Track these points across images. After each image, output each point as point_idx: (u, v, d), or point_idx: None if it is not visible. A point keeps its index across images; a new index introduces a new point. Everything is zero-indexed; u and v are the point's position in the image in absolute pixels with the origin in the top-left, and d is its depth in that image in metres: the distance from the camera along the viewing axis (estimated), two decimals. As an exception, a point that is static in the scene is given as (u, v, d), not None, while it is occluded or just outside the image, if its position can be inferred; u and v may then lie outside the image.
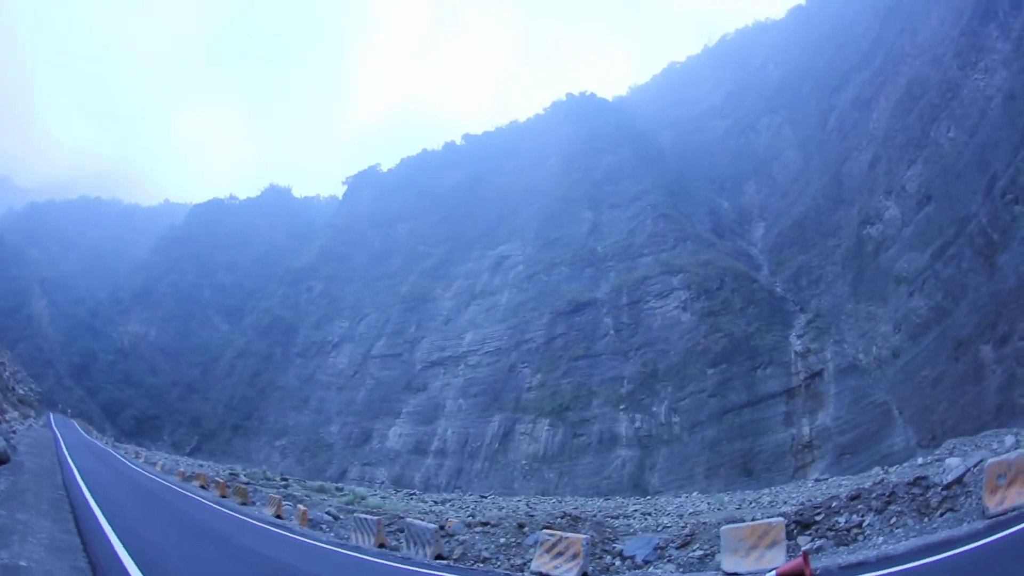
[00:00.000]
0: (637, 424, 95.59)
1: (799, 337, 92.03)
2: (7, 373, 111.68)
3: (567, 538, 21.34)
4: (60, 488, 32.66)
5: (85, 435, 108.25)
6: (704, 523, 32.50)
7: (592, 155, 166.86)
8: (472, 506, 66.60)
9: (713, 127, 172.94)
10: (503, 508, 62.87)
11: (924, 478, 19.92)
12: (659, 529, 37.76)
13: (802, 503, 37.57)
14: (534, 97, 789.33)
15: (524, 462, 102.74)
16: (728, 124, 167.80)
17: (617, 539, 28.82)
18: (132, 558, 18.84)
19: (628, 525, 41.10)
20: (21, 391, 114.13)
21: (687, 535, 24.52)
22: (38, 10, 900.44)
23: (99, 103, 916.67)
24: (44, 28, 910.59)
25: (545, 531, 23.54)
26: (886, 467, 61.85)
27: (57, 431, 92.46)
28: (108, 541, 21.45)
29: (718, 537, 20.30)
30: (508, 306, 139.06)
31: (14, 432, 57.49)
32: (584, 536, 21.60)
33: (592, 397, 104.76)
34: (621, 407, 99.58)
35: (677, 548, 23.49)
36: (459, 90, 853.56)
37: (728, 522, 28.48)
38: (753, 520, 23.93)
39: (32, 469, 37.43)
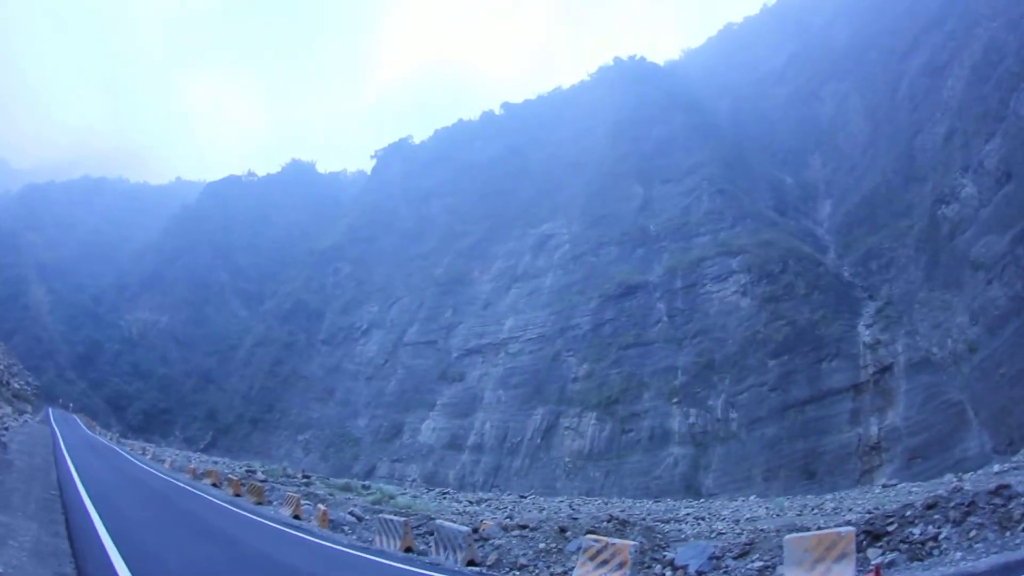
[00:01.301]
0: (691, 419, 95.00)
1: (868, 327, 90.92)
2: (1, 366, 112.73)
3: (613, 544, 20.86)
4: (53, 488, 32.80)
5: (87, 431, 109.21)
6: (763, 531, 32.33)
7: (642, 125, 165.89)
8: (510, 507, 66.58)
9: (773, 94, 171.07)
10: (544, 510, 62.87)
11: (1007, 487, 19.56)
12: (713, 536, 37.67)
13: (870, 511, 37.22)
14: (579, 62, 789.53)
15: (568, 459, 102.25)
16: (790, 91, 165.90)
17: (668, 546, 28.64)
18: (126, 564, 18.88)
19: (679, 531, 41.00)
20: (16, 385, 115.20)
21: (745, 544, 24.23)
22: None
23: (102, 77, 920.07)
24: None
25: (589, 536, 22.96)
26: (959, 474, 61.01)
27: (55, 427, 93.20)
28: (101, 545, 21.53)
29: (780, 547, 19.87)
30: (552, 289, 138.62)
31: (6, 429, 58.34)
32: (632, 543, 21.15)
33: (643, 389, 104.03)
34: (674, 400, 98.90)
35: (734, 558, 23.24)
36: (497, 54, 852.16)
37: (789, 529, 28.27)
38: (819, 529, 23.67)
39: (23, 468, 37.72)
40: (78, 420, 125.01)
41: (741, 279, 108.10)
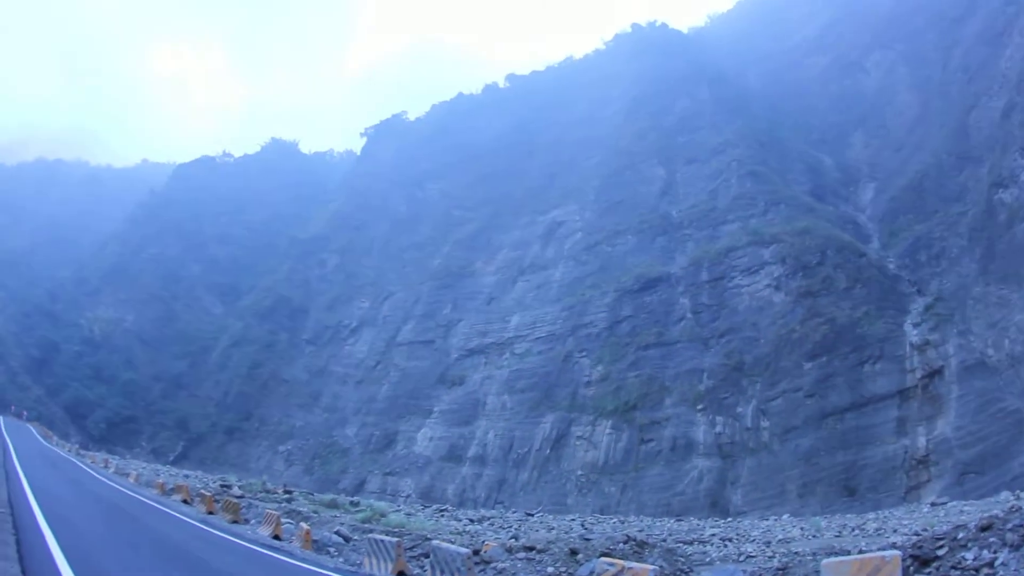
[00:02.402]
0: (718, 428, 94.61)
1: (916, 326, 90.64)
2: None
3: (631, 569, 20.61)
4: (3, 505, 32.32)
5: (43, 442, 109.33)
6: (798, 554, 32.49)
7: (664, 99, 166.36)
8: (516, 526, 66.89)
9: (810, 65, 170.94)
10: (553, 529, 63.25)
11: (1071, 507, 19.53)
12: (741, 559, 37.96)
13: (917, 533, 37.33)
14: (593, 29, 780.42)
15: (580, 473, 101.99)
16: (828, 61, 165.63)
17: (691, 571, 28.93)
18: (82, 591, 18.77)
19: (704, 553, 41.29)
20: None
21: (778, 569, 24.29)
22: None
23: (53, 48, 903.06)
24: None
25: (604, 559, 22.92)
26: (1017, 491, 61.06)
27: (7, 437, 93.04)
28: (55, 569, 21.56)
29: (817, 572, 20.03)
30: (563, 283, 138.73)
31: None
32: (652, 567, 21.03)
33: (664, 394, 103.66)
34: (699, 407, 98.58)
35: (766, 585, 23.31)
36: (500, 20, 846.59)
37: (827, 553, 28.41)
38: (860, 552, 23.67)
39: None
40: (33, 430, 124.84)
41: (774, 271, 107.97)
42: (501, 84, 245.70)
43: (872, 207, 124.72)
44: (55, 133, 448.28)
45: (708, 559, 37.94)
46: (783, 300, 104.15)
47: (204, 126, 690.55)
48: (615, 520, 78.94)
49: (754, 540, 51.48)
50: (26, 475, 51.23)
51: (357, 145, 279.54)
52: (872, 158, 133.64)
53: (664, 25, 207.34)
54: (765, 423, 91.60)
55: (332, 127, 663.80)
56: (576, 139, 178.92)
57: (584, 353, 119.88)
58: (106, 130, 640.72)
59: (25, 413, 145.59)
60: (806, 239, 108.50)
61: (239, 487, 71.16)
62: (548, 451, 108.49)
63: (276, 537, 35.88)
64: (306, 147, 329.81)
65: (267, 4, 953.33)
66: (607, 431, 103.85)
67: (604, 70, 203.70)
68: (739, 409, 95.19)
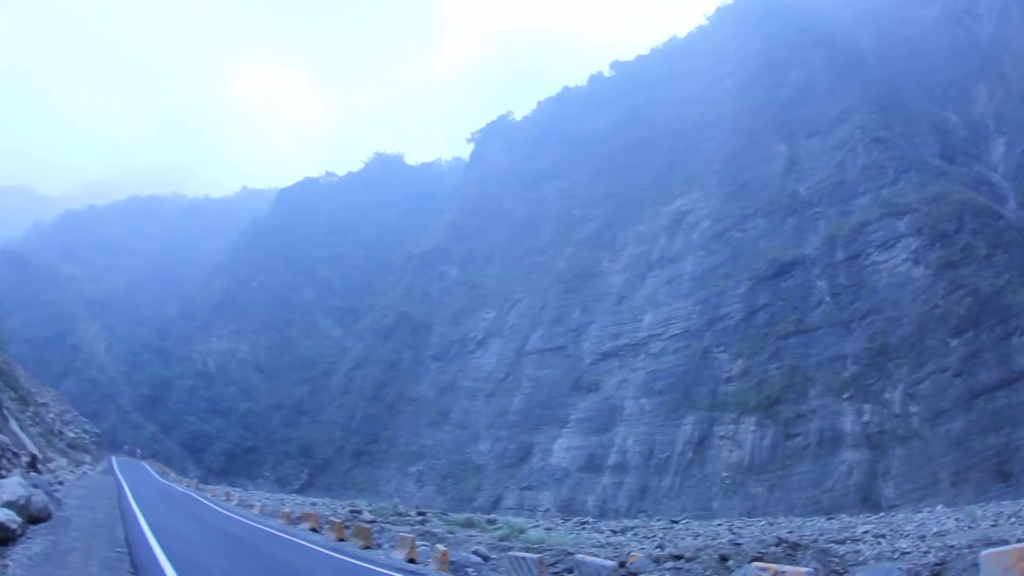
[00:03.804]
0: (865, 417, 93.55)
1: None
2: (51, 415, 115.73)
3: (784, 573, 20.31)
4: (120, 546, 31.88)
5: (159, 479, 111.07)
6: (954, 547, 33.16)
7: (776, 70, 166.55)
8: (661, 534, 66.88)
9: (920, 17, 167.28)
10: (700, 536, 63.53)
11: None
12: (897, 557, 38.37)
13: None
14: (694, 4, 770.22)
15: (725, 474, 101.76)
16: (939, 11, 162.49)
17: (846, 572, 29.79)
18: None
19: (857, 552, 41.87)
20: (71, 434, 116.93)
21: (935, 564, 24.78)
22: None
23: (135, 85, 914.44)
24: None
25: (755, 564, 22.75)
26: None
27: (120, 477, 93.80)
28: None
29: (975, 565, 20.42)
30: (694, 274, 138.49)
31: (60, 484, 59.93)
32: (805, 570, 21.17)
33: (808, 385, 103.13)
34: (845, 396, 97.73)
35: (923, 582, 24.03)
36: (595, 5, 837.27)
37: (984, 544, 29.19)
38: (1019, 541, 24.38)
39: (81, 525, 37.17)
40: (148, 467, 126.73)
41: (911, 244, 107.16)
42: (606, 73, 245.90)
43: (1004, 164, 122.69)
44: (146, 170, 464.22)
45: (862, 558, 38.41)
46: (923, 274, 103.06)
47: (298, 147, 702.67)
48: (764, 522, 78.88)
49: (908, 535, 51.36)
50: (143, 513, 50.63)
51: (465, 151, 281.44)
52: (998, 111, 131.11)
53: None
54: (914, 408, 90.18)
55: (435, 134, 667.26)
56: (691, 122, 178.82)
57: (722, 348, 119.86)
58: (199, 161, 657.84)
59: (139, 451, 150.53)
60: (941, 206, 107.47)
61: (369, 511, 72.27)
62: (691, 454, 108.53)
63: (411, 560, 35.80)
64: (412, 158, 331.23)
65: (343, 15, 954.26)
66: (751, 429, 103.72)
67: (710, 46, 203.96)
68: (886, 395, 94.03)
